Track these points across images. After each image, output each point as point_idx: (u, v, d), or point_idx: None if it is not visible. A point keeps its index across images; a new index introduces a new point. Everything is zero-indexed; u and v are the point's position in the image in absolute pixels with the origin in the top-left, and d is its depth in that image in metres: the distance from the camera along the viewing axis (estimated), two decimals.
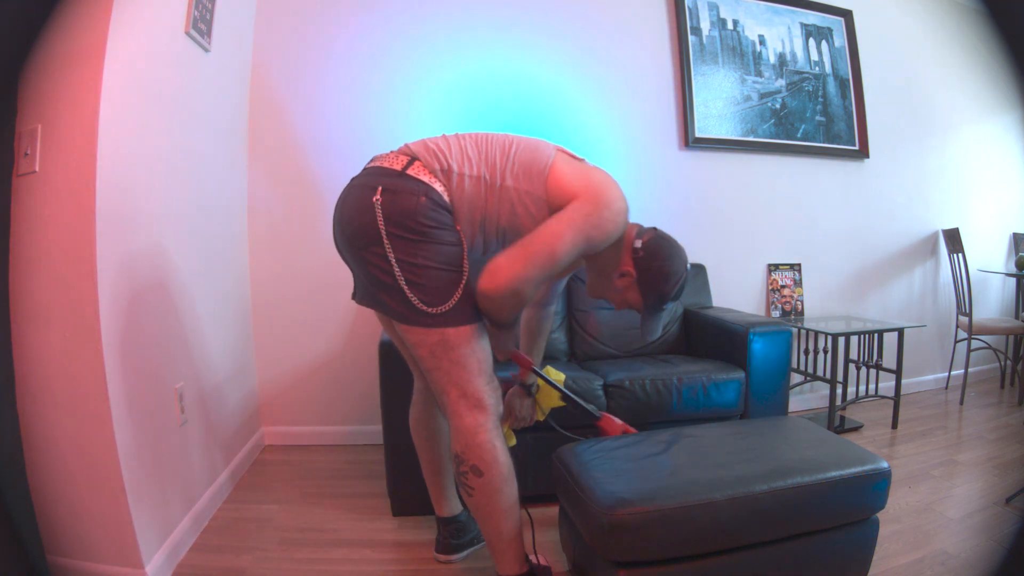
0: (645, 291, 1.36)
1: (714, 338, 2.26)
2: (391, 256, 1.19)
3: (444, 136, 1.33)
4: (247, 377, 2.36)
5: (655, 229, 1.39)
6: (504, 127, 1.54)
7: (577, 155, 1.37)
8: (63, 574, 1.36)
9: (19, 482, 1.24)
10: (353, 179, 1.30)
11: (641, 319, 1.41)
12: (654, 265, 1.34)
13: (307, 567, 1.58)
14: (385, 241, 1.19)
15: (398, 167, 1.24)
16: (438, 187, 1.23)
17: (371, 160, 1.34)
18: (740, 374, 2.03)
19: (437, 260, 1.21)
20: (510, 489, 1.30)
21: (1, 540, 1.07)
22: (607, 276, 1.39)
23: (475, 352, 1.25)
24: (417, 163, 1.24)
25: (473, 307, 1.27)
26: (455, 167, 1.26)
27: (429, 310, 1.21)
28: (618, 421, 1.64)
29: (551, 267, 1.22)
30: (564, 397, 1.63)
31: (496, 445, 1.27)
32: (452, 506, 1.62)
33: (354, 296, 1.43)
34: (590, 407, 1.65)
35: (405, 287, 1.20)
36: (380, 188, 1.21)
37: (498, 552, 1.34)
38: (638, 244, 1.35)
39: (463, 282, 1.24)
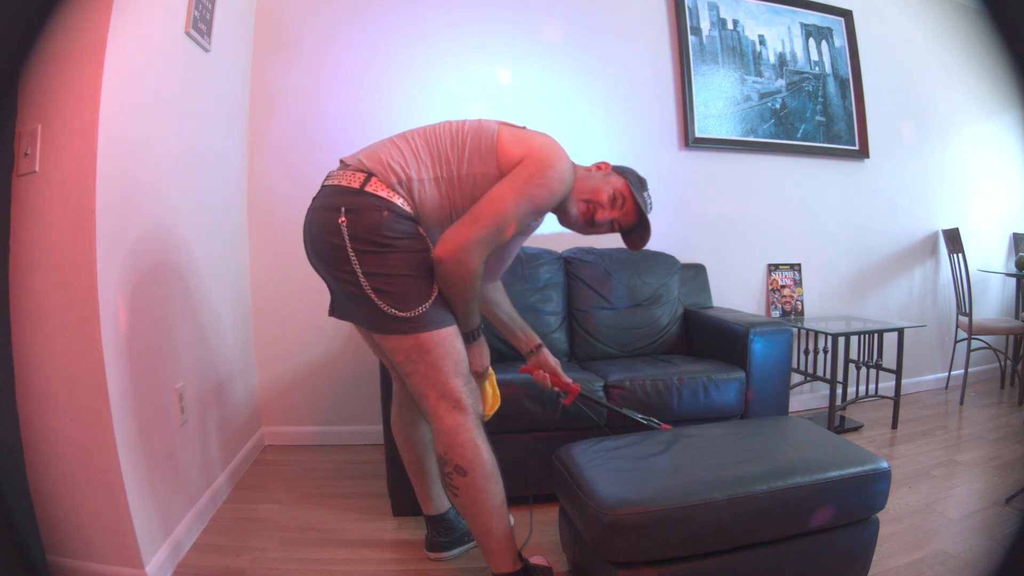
0: (623, 171, 1.45)
1: (714, 338, 2.26)
2: (358, 271, 1.22)
3: (393, 141, 1.33)
4: (247, 377, 2.36)
5: None
6: None
7: (518, 124, 1.40)
8: (63, 574, 1.36)
9: (19, 482, 1.24)
10: (315, 200, 1.32)
11: (638, 222, 1.45)
12: (616, 167, 1.48)
13: (307, 567, 1.58)
14: (352, 257, 1.22)
15: (356, 185, 1.25)
16: (398, 200, 1.25)
17: (327, 177, 1.35)
18: (740, 374, 2.03)
19: (405, 268, 1.24)
20: (495, 487, 1.31)
21: (1, 540, 1.07)
22: (576, 190, 1.38)
23: (450, 354, 1.28)
24: (374, 179, 1.26)
25: (445, 310, 1.30)
26: (413, 175, 1.28)
27: (402, 315, 1.23)
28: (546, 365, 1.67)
29: (496, 227, 1.24)
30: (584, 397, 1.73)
31: (478, 444, 1.29)
32: (438, 504, 1.63)
33: (332, 312, 1.44)
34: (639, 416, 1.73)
35: (374, 296, 1.23)
36: (343, 208, 1.23)
37: (489, 550, 1.35)
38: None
39: (434, 286, 1.27)
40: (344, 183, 1.27)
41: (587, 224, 1.43)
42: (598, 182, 1.41)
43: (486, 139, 1.30)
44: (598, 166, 1.46)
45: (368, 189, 1.24)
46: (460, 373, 1.29)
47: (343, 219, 1.22)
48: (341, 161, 1.36)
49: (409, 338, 1.25)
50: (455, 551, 1.61)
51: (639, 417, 1.73)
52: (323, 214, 1.26)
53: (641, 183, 1.46)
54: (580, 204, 1.40)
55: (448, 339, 1.28)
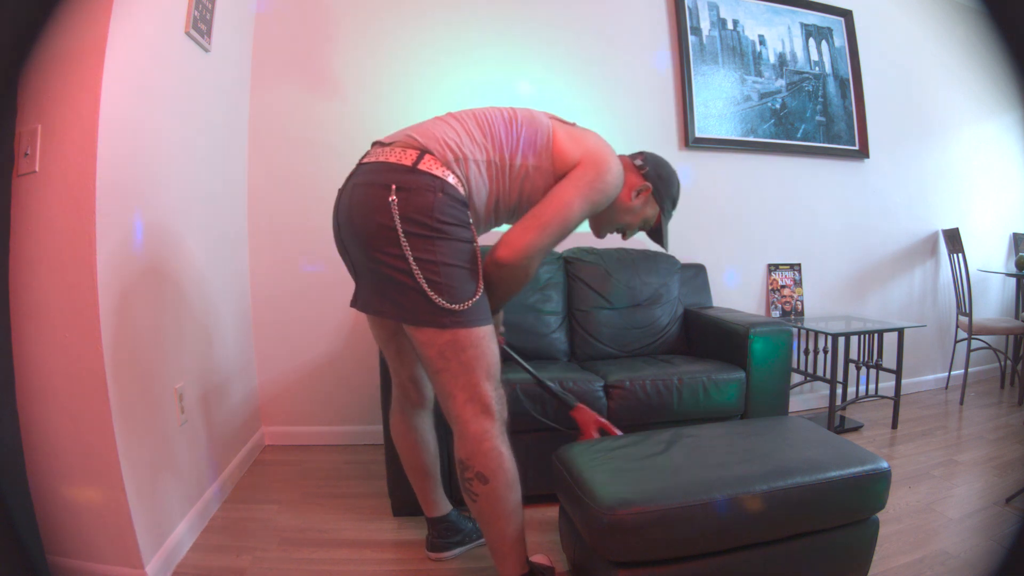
0: (661, 198, 1.49)
1: (714, 338, 2.26)
2: (409, 255, 1.15)
3: (444, 120, 1.29)
4: (247, 377, 2.36)
5: (640, 151, 1.53)
6: None
7: (566, 119, 1.41)
8: (63, 574, 1.36)
9: (19, 482, 1.24)
10: (355, 177, 1.26)
11: (660, 231, 1.53)
12: (663, 173, 1.49)
13: (307, 567, 1.58)
14: (402, 240, 1.15)
15: (408, 162, 1.19)
16: (452, 179, 1.20)
17: (368, 154, 1.29)
18: (740, 374, 2.03)
19: (455, 258, 1.18)
20: (514, 495, 1.28)
21: (1, 540, 1.07)
22: (613, 209, 1.44)
23: (485, 355, 1.23)
24: (429, 156, 1.19)
25: (486, 308, 1.25)
26: (468, 154, 1.24)
27: (450, 307, 1.17)
28: (593, 413, 1.68)
29: (562, 235, 1.27)
30: (539, 384, 1.72)
31: (502, 452, 1.25)
32: (440, 506, 1.63)
33: (354, 303, 1.35)
34: (566, 396, 1.71)
35: (426, 286, 1.16)
36: (394, 187, 1.16)
37: (500, 555, 1.33)
38: (639, 162, 1.48)
39: (480, 280, 1.24)
40: (394, 159, 1.20)
41: (600, 234, 1.52)
42: (636, 213, 1.48)
43: (542, 134, 1.29)
44: (641, 185, 1.47)
45: (422, 167, 1.18)
46: (492, 377, 1.24)
47: (393, 196, 1.14)
48: (377, 142, 1.30)
49: (446, 333, 1.18)
50: (456, 551, 1.61)
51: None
52: (369, 191, 1.18)
53: (673, 204, 1.53)
54: (613, 221, 1.48)
55: (485, 339, 1.23)
